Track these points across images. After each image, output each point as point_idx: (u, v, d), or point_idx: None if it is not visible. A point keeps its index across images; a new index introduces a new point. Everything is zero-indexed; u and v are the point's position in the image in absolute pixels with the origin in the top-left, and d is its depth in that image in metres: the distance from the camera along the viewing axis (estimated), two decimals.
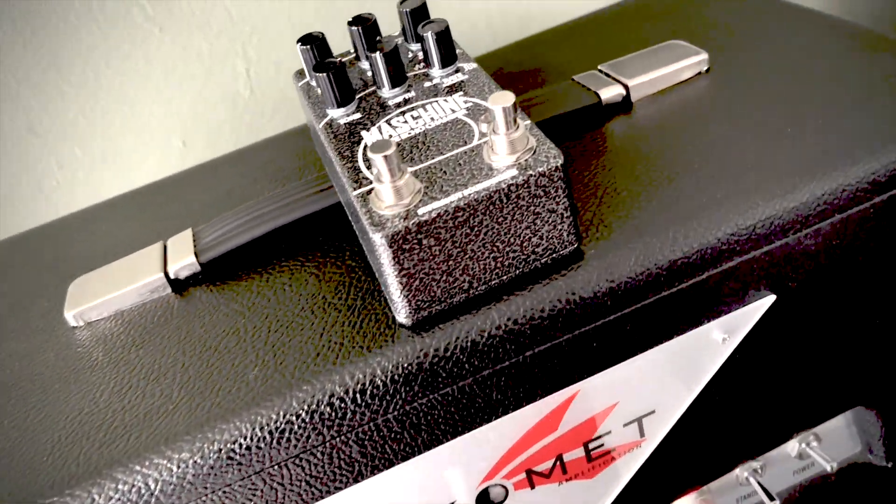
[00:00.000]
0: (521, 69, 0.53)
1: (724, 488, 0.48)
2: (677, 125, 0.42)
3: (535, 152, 0.32)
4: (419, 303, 0.33)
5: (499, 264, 0.33)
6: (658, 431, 0.40)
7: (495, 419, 0.36)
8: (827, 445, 0.48)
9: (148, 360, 0.37)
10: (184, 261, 0.42)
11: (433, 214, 0.31)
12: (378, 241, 0.31)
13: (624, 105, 0.45)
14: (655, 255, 0.35)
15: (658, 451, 0.41)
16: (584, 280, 0.35)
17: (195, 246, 0.42)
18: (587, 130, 0.44)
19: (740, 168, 0.38)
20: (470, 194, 0.31)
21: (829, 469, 0.46)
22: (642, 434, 0.40)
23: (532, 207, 0.33)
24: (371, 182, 0.33)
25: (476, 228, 0.32)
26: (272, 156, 0.53)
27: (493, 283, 0.34)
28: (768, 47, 0.47)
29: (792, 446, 0.49)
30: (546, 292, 0.34)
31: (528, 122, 0.34)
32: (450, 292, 0.33)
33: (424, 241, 0.31)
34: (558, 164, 0.32)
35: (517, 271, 0.34)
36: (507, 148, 0.32)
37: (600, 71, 0.47)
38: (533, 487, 0.39)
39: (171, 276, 0.42)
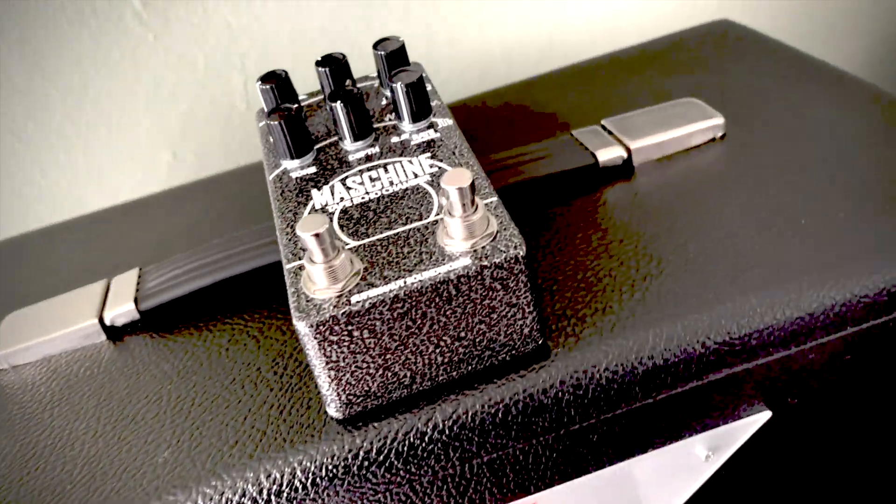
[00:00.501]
0: (523, 113, 0.49)
1: None
2: (679, 202, 0.37)
3: (494, 238, 0.28)
4: (351, 397, 0.29)
5: (447, 360, 0.29)
6: None
7: None
8: None
9: (60, 422, 0.34)
10: (122, 307, 0.38)
11: (367, 304, 0.27)
12: (302, 329, 0.27)
13: (624, 170, 0.41)
14: (631, 361, 0.30)
15: None
16: (546, 383, 0.30)
17: (137, 290, 0.39)
18: (580, 195, 0.40)
19: (742, 263, 0.33)
20: (413, 283, 0.27)
21: None
22: None
23: (487, 301, 0.28)
24: None
25: (419, 321, 0.28)
26: (245, 187, 0.49)
27: (440, 378, 0.30)
28: (796, 117, 0.42)
29: None
30: (500, 393, 0.30)
31: (494, 199, 0.30)
32: (387, 388, 0.29)
33: (356, 333, 0.27)
34: (519, 256, 0.27)
35: (469, 368, 0.30)
36: (462, 232, 0.28)
37: (603, 127, 0.43)
38: None
39: (108, 323, 0.38)
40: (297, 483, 0.29)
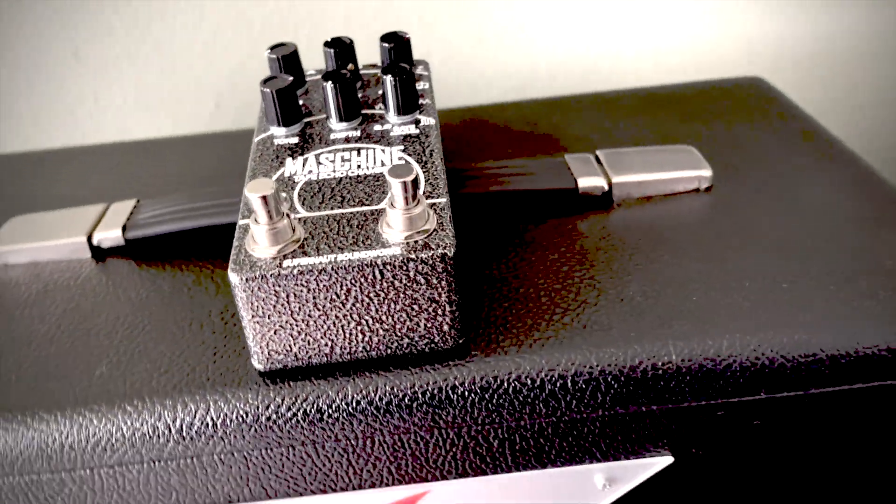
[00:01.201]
0: (531, 129, 0.50)
1: None
2: (643, 242, 0.38)
3: (429, 235, 0.30)
4: (272, 353, 0.31)
5: (366, 339, 0.31)
6: None
7: (331, 492, 0.34)
8: None
9: (27, 322, 0.37)
10: (110, 232, 0.41)
11: (296, 271, 0.29)
12: (234, 281, 0.29)
13: (603, 201, 0.42)
14: (541, 377, 0.32)
15: None
16: (456, 380, 0.32)
17: (128, 219, 0.42)
18: (555, 216, 0.41)
19: (677, 311, 0.34)
20: (342, 260, 0.29)
21: None
22: None
23: (409, 292, 0.30)
24: None
25: (343, 297, 0.30)
26: None
27: (359, 354, 0.32)
28: (789, 188, 0.42)
29: None
30: (410, 380, 0.32)
31: (443, 201, 0.32)
32: (308, 353, 0.31)
33: (282, 295, 0.29)
34: (446, 255, 0.29)
35: (387, 351, 0.32)
36: (401, 223, 0.30)
37: (596, 157, 0.44)
38: None
39: (94, 243, 0.41)
40: (209, 419, 0.32)
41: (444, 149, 0.36)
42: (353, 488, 0.34)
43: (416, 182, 0.29)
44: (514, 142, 0.49)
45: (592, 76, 0.69)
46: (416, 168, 0.29)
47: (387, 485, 0.34)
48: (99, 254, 0.41)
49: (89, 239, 0.41)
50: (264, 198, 0.29)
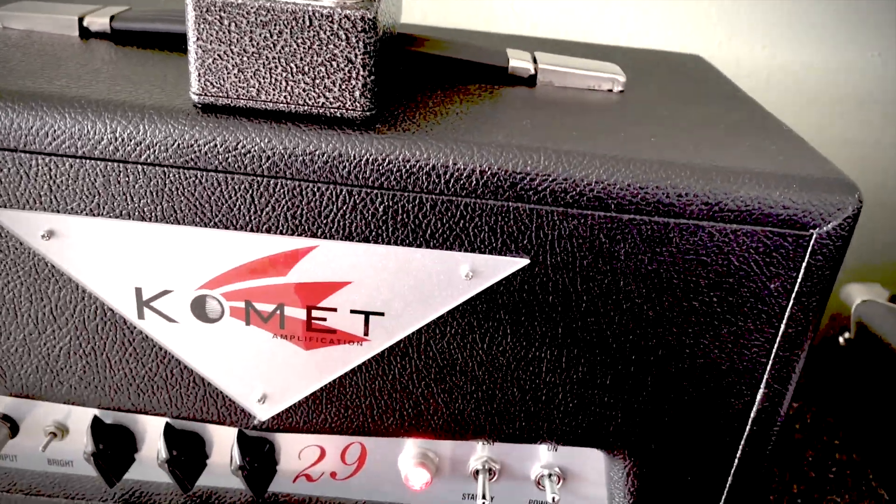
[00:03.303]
0: (487, 43, 0.57)
1: (452, 468, 0.48)
2: (554, 107, 0.44)
3: (360, 3, 0.36)
4: (207, 83, 0.37)
5: (288, 89, 0.37)
6: (382, 338, 0.41)
7: (232, 230, 0.39)
8: (570, 491, 0.48)
9: (10, 54, 0.42)
10: (100, 18, 0.47)
11: (239, 0, 0.35)
12: (187, 1, 0.35)
13: (528, 81, 0.48)
14: (432, 157, 0.37)
15: (380, 363, 0.42)
16: (354, 145, 0.37)
17: (121, 13, 0.48)
18: (485, 83, 0.47)
19: (563, 136, 0.39)
20: (283, 2, 0.35)
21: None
22: (367, 332, 0.41)
23: (331, 46, 0.36)
24: None
25: (275, 38, 0.36)
26: None
27: (280, 103, 0.37)
28: (691, 101, 0.49)
29: (535, 468, 0.48)
30: (317, 136, 0.37)
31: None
32: (238, 91, 0.37)
33: (225, 23, 0.35)
34: (367, 17, 0.35)
35: (304, 107, 0.37)
36: None
37: (533, 56, 0.50)
38: (248, 323, 0.41)
39: (84, 24, 0.47)
40: (141, 128, 0.37)
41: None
42: (251, 230, 0.39)
43: None
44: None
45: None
46: None
47: (281, 232, 0.39)
48: (86, 34, 0.47)
49: (81, 20, 0.47)
50: None
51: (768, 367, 0.42)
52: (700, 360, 0.41)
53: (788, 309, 0.40)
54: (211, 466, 0.49)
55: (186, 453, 0.47)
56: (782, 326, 0.40)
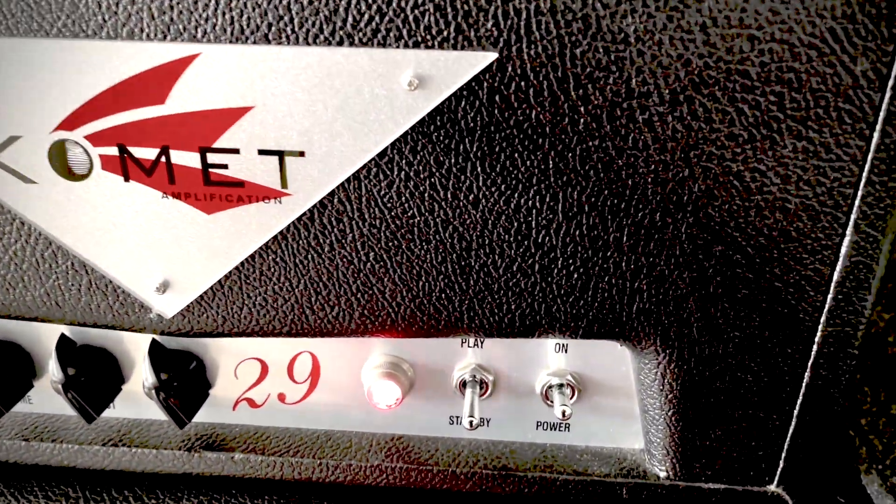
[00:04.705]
0: None
1: (432, 381, 0.37)
2: None
3: None
4: None
5: None
6: (306, 190, 0.30)
7: (83, 37, 0.28)
8: (588, 406, 0.36)
9: None
10: None
11: None
12: None
13: None
14: None
15: (310, 227, 0.31)
16: None
17: None
18: None
19: None
20: None
21: (561, 413, 0.34)
22: (284, 183, 0.30)
23: None
24: None
25: None
26: None
27: None
28: None
29: (540, 377, 0.36)
30: None
31: None
32: None
33: None
34: None
35: None
36: None
37: None
38: (127, 179, 0.30)
39: None
40: None
41: None
42: (108, 36, 0.28)
43: None
44: None
45: None
46: None
47: (149, 37, 0.28)
48: None
49: None
50: None
51: (856, 203, 0.29)
52: (754, 196, 0.29)
53: (885, 104, 0.27)
54: (128, 392, 0.39)
55: (88, 373, 0.37)
56: (876, 132, 0.28)
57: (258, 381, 0.38)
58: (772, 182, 0.29)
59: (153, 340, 0.36)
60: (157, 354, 0.36)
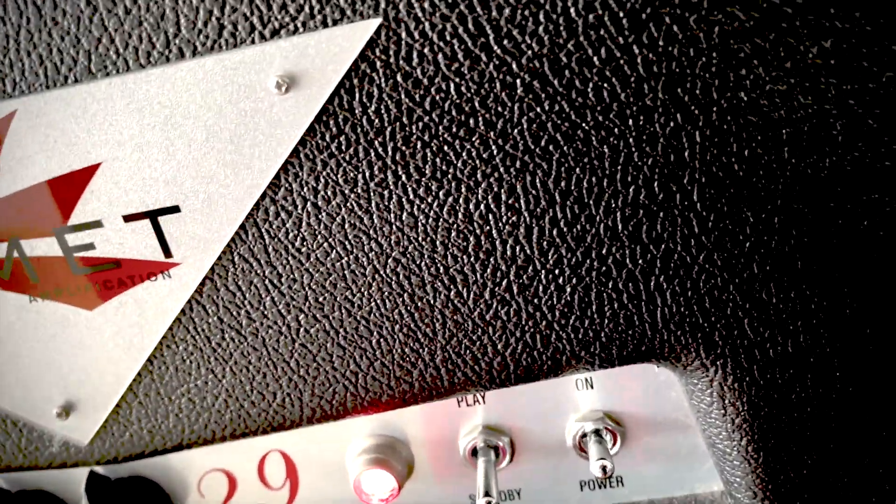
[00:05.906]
0: None
1: (435, 456, 0.30)
2: None
3: None
4: None
5: None
6: (199, 253, 0.23)
7: None
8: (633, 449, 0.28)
9: None
10: None
11: None
12: None
13: None
14: None
15: (214, 299, 0.24)
16: None
17: None
18: None
19: None
20: None
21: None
22: (168, 252, 0.23)
23: None
24: None
25: None
26: None
27: None
28: None
29: (568, 424, 0.28)
30: None
31: None
32: None
33: None
34: None
35: None
36: None
37: None
38: None
39: None
40: None
41: None
42: None
43: None
44: None
45: None
46: None
47: None
48: None
49: None
50: None
51: None
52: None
53: None
54: None
55: None
56: None
57: (229, 495, 0.31)
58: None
59: (90, 473, 0.29)
60: (97, 490, 0.29)
